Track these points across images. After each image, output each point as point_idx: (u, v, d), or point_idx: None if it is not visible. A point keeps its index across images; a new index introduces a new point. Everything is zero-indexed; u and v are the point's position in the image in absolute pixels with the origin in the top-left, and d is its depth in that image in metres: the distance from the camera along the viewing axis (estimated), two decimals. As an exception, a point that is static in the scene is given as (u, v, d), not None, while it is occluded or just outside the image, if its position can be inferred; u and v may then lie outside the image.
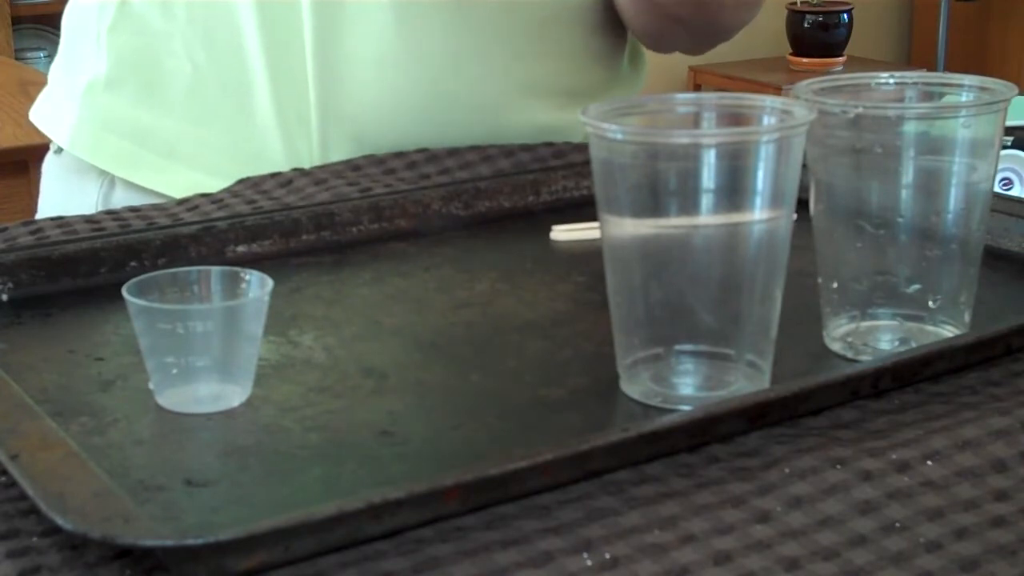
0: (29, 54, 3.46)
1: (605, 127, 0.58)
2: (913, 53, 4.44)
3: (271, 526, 0.46)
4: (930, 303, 0.64)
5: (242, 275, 0.62)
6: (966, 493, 0.52)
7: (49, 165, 1.06)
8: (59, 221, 0.83)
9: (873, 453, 0.54)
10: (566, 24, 0.99)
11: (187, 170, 0.96)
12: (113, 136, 0.97)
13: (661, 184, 0.57)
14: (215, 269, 0.63)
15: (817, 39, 4.01)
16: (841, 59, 3.99)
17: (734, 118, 0.61)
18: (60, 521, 0.47)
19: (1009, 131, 2.16)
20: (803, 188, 0.60)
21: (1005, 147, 2.22)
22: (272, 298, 0.61)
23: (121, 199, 0.98)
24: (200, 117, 0.96)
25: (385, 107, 0.94)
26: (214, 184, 0.91)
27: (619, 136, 0.58)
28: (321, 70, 0.93)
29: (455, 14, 0.94)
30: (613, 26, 1.03)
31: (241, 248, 0.80)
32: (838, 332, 0.66)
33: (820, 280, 0.66)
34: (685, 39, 1.03)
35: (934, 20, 4.20)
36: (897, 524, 0.50)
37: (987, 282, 0.68)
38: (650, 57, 1.10)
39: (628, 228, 0.59)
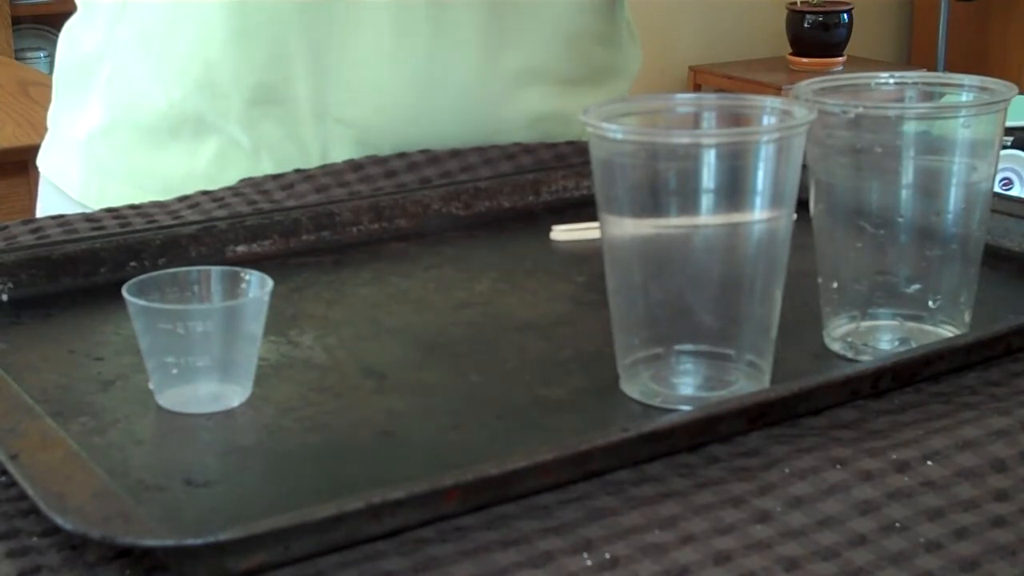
0: (29, 54, 3.47)
1: (605, 127, 0.58)
2: (913, 53, 4.44)
3: (271, 526, 0.46)
4: (930, 303, 0.64)
5: (242, 275, 0.62)
6: (966, 493, 0.52)
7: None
8: (59, 219, 0.83)
9: (873, 453, 0.54)
10: (562, 6, 0.98)
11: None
12: (114, 182, 0.98)
13: (661, 184, 0.57)
14: (215, 269, 0.63)
15: (817, 39, 4.01)
16: (841, 59, 3.99)
17: (734, 118, 0.61)
18: (60, 521, 0.47)
19: (1009, 131, 2.16)
20: (803, 188, 0.60)
21: (1005, 147, 2.22)
22: (272, 298, 0.61)
23: None
24: (188, 150, 0.96)
25: (384, 108, 0.94)
26: None
27: (619, 136, 0.58)
28: (316, 79, 0.92)
29: (447, 8, 0.93)
30: (609, 3, 1.02)
31: (241, 248, 0.80)
32: (838, 332, 0.66)
33: (820, 280, 0.66)
34: None
35: (934, 20, 4.21)
36: (897, 524, 0.50)
37: (987, 282, 0.68)
38: (650, 57, 1.09)
39: (628, 228, 0.59)
